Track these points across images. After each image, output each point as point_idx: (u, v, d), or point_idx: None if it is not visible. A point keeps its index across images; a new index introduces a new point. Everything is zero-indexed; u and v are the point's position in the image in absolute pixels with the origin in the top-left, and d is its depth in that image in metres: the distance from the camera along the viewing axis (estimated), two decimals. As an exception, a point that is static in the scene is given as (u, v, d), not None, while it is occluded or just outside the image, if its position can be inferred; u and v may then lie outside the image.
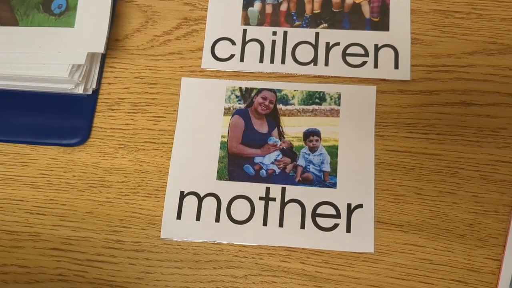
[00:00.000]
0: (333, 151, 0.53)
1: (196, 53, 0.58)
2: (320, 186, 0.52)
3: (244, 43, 0.58)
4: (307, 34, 0.57)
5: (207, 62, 0.57)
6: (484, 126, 0.53)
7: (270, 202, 0.52)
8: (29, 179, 0.55)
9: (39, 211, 0.54)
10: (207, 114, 0.56)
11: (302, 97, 0.55)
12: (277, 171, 0.53)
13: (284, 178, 0.53)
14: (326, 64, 0.56)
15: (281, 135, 0.55)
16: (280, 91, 0.56)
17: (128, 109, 0.57)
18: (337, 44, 0.57)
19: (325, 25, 0.58)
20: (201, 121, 0.55)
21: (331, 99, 0.55)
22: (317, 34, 0.57)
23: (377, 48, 0.56)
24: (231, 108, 0.56)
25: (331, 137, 0.54)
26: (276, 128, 0.55)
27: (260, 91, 0.56)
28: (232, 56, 0.57)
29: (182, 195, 0.53)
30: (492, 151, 0.52)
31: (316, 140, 0.54)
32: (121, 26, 0.60)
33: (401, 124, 0.54)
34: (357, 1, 0.58)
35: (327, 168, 0.53)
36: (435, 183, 0.51)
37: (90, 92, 0.57)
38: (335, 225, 0.51)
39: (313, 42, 0.57)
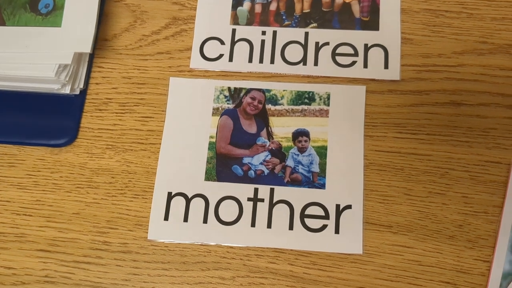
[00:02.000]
0: (322, 151, 0.53)
1: (185, 53, 0.58)
2: (308, 187, 0.52)
3: (233, 42, 0.57)
4: (297, 33, 0.57)
5: (196, 62, 0.57)
6: (474, 126, 0.52)
7: (259, 203, 0.52)
8: (16, 180, 0.55)
9: (25, 212, 0.53)
10: (196, 114, 0.55)
11: (291, 97, 0.55)
12: (266, 171, 0.53)
13: (272, 178, 0.53)
14: (316, 64, 0.56)
15: (270, 135, 0.54)
16: (269, 91, 0.55)
17: (116, 109, 0.56)
18: (327, 43, 0.56)
19: (315, 24, 0.57)
20: (189, 121, 0.55)
21: (321, 99, 0.54)
22: (306, 34, 0.57)
23: (367, 48, 0.56)
24: (220, 108, 0.55)
25: (320, 138, 0.53)
26: (265, 128, 0.54)
27: (249, 91, 0.56)
28: (221, 56, 0.57)
29: (170, 196, 0.53)
30: (482, 151, 0.52)
31: (305, 141, 0.53)
32: (110, 25, 0.59)
33: (390, 124, 0.53)
34: (347, 1, 0.58)
35: (316, 168, 0.52)
36: (425, 183, 0.51)
37: (77, 92, 0.56)
38: (324, 226, 0.50)
39: (303, 42, 0.57)
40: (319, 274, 0.49)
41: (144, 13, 0.59)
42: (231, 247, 0.51)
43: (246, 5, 0.59)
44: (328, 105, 0.54)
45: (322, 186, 0.52)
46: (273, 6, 0.59)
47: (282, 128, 0.54)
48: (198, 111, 0.55)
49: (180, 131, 0.55)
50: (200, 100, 0.56)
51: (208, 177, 0.53)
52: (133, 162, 0.54)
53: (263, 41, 0.57)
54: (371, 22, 0.57)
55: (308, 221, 0.51)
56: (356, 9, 0.58)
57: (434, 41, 0.56)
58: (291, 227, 0.51)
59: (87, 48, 0.54)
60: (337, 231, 0.50)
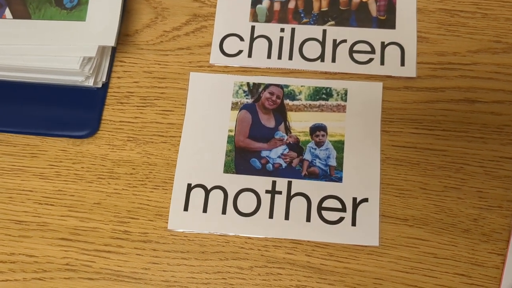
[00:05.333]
0: (339, 146, 0.54)
1: (205, 49, 0.59)
2: (326, 180, 0.53)
3: (252, 39, 0.59)
4: (315, 31, 0.58)
5: (216, 58, 0.58)
6: (489, 123, 0.53)
7: (276, 195, 0.53)
8: (38, 170, 0.56)
9: (47, 201, 0.54)
10: (215, 109, 0.56)
11: (309, 92, 0.56)
12: (284, 165, 0.54)
13: (290, 172, 0.54)
14: (333, 60, 0.57)
15: (287, 129, 0.55)
16: (287, 86, 0.56)
17: (137, 102, 0.57)
18: (344, 41, 0.57)
19: (333, 22, 0.59)
20: (209, 115, 0.56)
21: (338, 95, 0.56)
22: (324, 31, 0.58)
23: (383, 46, 0.57)
24: (239, 103, 0.56)
25: (338, 132, 0.54)
26: (283, 122, 0.56)
27: (267, 86, 0.57)
28: (240, 52, 0.58)
29: (190, 188, 0.54)
30: (497, 147, 0.53)
31: (323, 135, 0.55)
32: (132, 21, 0.61)
33: (407, 120, 0.54)
34: (364, 0, 0.59)
35: (333, 162, 0.53)
36: (440, 178, 0.52)
37: (100, 85, 0.57)
38: (341, 219, 0.51)
39: (320, 39, 0.58)
40: (336, 265, 0.50)
41: (165, 9, 0.61)
42: (249, 238, 0.52)
43: (265, 3, 0.60)
44: (345, 100, 0.55)
45: (339, 179, 0.53)
46: (291, 4, 0.60)
47: (299, 122, 0.55)
48: (218, 105, 0.56)
49: (199, 125, 0.56)
50: (219, 94, 0.57)
51: (227, 170, 0.54)
52: (153, 154, 0.55)
53: (281, 38, 0.58)
54: (387, 20, 0.58)
55: (325, 214, 0.52)
56: (373, 8, 0.59)
57: (449, 40, 0.57)
58: (308, 219, 0.52)
59: (111, 41, 0.56)
60: (353, 223, 0.51)
